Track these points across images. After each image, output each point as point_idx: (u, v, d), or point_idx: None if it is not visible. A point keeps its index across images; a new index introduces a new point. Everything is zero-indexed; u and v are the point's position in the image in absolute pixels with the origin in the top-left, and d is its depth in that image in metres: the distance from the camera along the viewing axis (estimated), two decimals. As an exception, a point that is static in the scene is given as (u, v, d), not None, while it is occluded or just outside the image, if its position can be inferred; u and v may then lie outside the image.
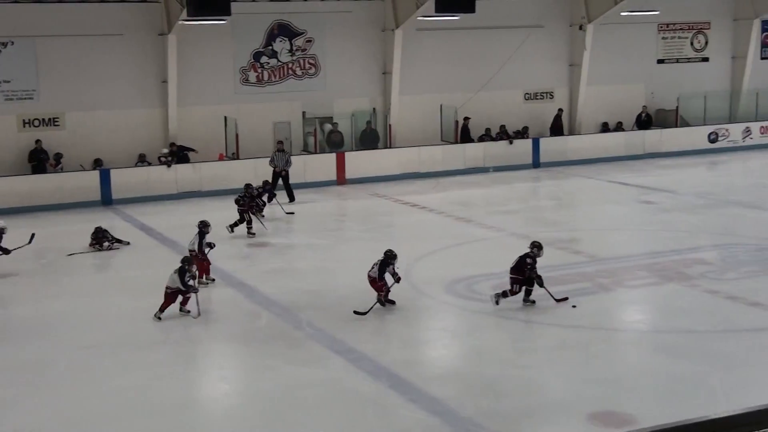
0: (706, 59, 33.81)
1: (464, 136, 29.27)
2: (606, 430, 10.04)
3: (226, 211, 22.19)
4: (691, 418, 2.78)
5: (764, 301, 14.57)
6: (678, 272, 16.41)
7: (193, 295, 14.28)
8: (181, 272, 14.12)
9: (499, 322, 14.01)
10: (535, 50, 30.55)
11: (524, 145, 29.47)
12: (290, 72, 28.08)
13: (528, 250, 14.52)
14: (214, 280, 16.35)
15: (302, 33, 28.07)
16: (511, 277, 14.40)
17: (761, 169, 28.69)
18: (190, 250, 16.20)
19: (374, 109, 29.06)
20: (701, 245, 18.74)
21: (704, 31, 33.65)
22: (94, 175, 24.73)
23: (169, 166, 25.25)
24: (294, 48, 28.04)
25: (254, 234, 20.10)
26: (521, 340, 13.10)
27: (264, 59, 27.76)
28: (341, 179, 26.21)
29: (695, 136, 31.69)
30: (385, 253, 14.56)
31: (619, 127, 31.72)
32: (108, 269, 18.71)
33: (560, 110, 31.01)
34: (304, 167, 26.06)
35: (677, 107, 31.84)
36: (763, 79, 33.75)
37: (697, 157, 30.56)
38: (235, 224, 20.16)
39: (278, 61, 27.89)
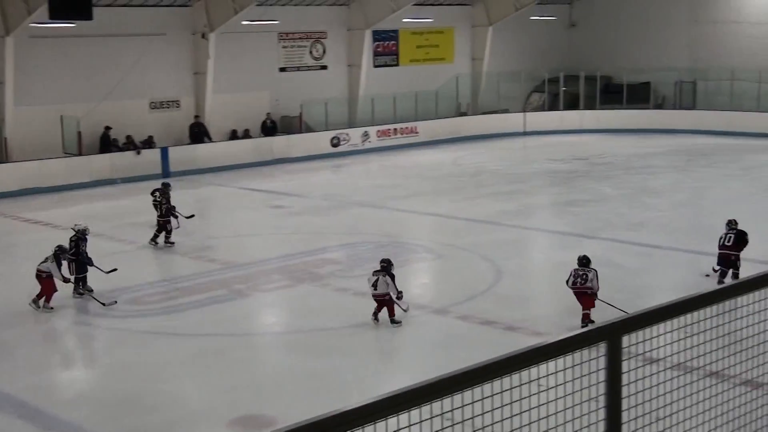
0: (324, 67, 35.25)
1: (104, 145, 28.37)
2: (248, 434, 10.10)
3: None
4: (328, 411, 2.81)
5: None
6: (309, 273, 16.95)
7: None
8: None
9: (137, 336, 13.65)
10: (158, 59, 30.13)
11: (152, 155, 28.97)
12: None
13: (734, 227, 15.04)
14: None
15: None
16: (732, 255, 14.83)
17: (379, 171, 30.39)
18: None
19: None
20: (329, 245, 19.49)
21: (321, 40, 35.05)
22: None
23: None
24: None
25: None
26: (159, 354, 12.84)
27: None
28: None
29: (319, 141, 32.94)
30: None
31: (246, 134, 32.18)
32: None
33: (197, 116, 30.91)
34: None
35: (300, 113, 32.94)
36: (377, 85, 35.78)
37: (322, 161, 31.76)
38: None
39: None
